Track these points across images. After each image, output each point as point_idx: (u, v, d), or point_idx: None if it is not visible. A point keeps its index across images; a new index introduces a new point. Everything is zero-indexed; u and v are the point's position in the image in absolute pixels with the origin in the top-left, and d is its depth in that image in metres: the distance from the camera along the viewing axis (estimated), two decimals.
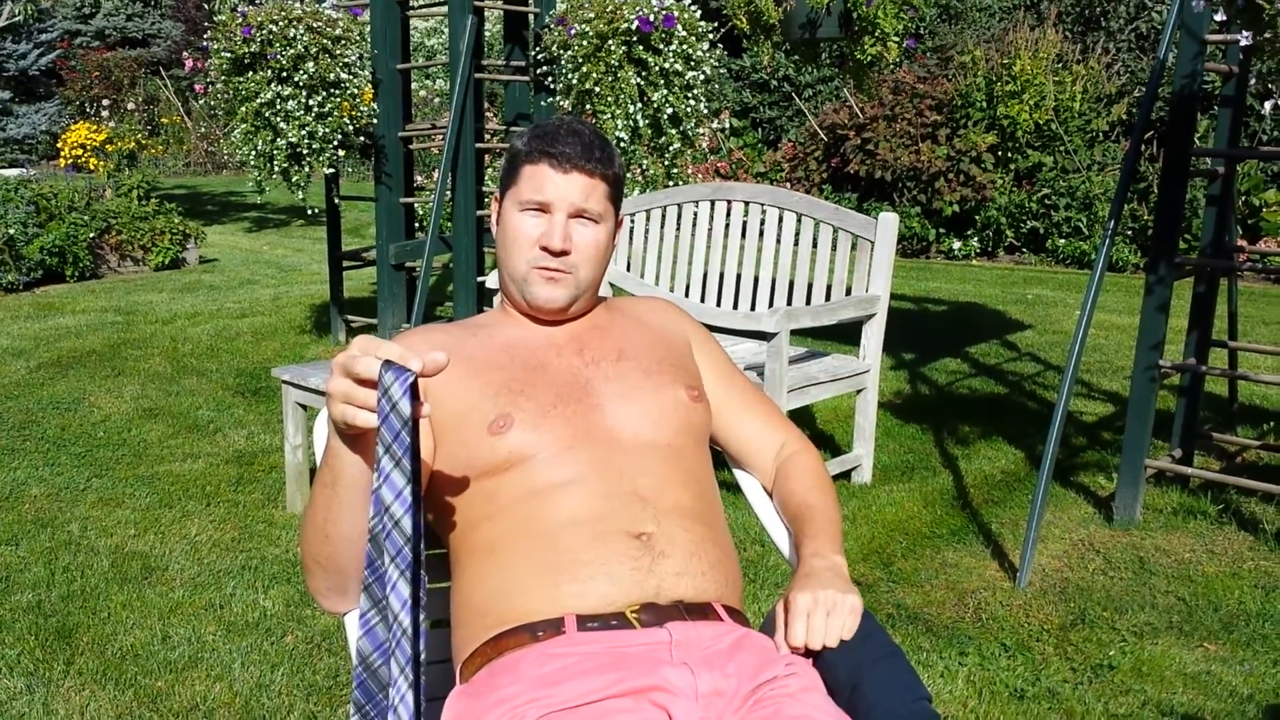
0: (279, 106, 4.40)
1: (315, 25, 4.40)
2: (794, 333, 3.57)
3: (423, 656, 1.13)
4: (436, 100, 13.56)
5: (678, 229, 4.30)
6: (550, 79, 4.37)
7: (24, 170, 11.65)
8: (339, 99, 4.48)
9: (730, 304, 4.12)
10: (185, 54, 6.41)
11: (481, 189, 5.07)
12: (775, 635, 1.42)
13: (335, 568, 1.32)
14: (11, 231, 7.17)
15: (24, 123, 15.09)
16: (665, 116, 4.15)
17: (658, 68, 4.10)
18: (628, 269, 4.45)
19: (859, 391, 3.83)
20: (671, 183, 4.36)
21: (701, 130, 4.47)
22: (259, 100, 4.39)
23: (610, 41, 4.05)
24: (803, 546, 1.51)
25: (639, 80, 4.10)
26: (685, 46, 4.14)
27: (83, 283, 7.62)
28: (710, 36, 4.29)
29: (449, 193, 4.78)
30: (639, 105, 4.11)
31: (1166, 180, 3.37)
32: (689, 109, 4.21)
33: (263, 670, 2.58)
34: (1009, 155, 8.96)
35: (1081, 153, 8.91)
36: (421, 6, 5.89)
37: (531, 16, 4.93)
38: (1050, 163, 8.92)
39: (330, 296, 5.95)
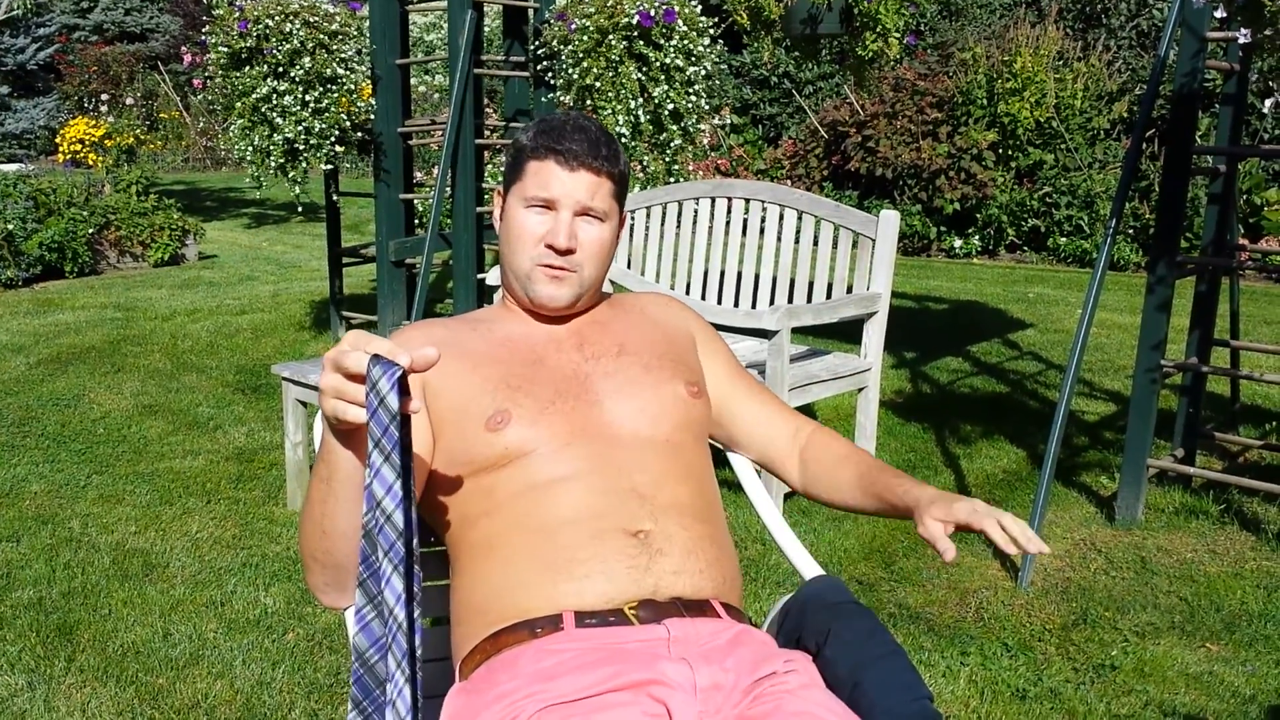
0: (275, 102, 4.39)
1: (312, 20, 4.38)
2: (795, 331, 3.56)
3: (419, 652, 1.12)
4: (436, 96, 13.55)
5: (678, 226, 4.29)
6: (550, 74, 4.36)
7: (22, 165, 11.63)
8: (336, 94, 4.47)
9: (731, 302, 4.11)
10: (184, 49, 6.40)
11: (481, 185, 5.06)
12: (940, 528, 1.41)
13: (333, 563, 1.32)
14: (10, 227, 7.16)
15: (22, 118, 15.07)
16: (666, 112, 4.14)
17: (658, 63, 4.08)
18: (628, 266, 4.44)
19: (860, 390, 3.83)
20: (672, 179, 4.35)
21: (703, 126, 4.45)
22: (255, 95, 4.38)
23: (611, 36, 4.04)
24: (894, 488, 1.51)
25: (640, 75, 4.09)
26: (686, 41, 4.13)
27: (82, 279, 7.62)
28: (711, 32, 4.28)
29: (449, 189, 4.77)
30: (640, 101, 4.10)
31: (1168, 178, 3.37)
32: (690, 105, 4.20)
33: (264, 668, 2.58)
34: (1010, 153, 8.95)
35: (1083, 151, 8.90)
36: (421, 1, 5.88)
37: (531, 11, 4.92)
38: (1051, 160, 8.91)
39: (330, 293, 5.94)
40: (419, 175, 9.22)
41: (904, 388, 5.02)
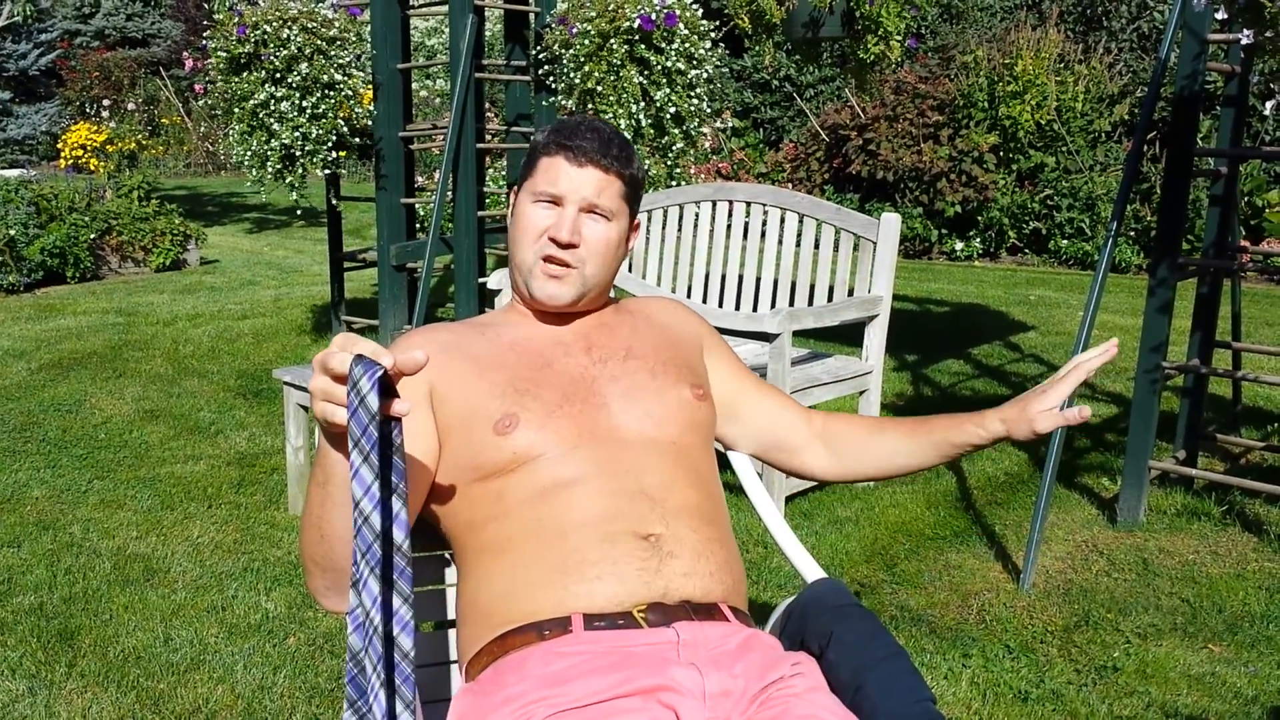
0: (273, 108, 4.39)
1: (310, 26, 4.38)
2: (796, 334, 3.56)
3: (411, 654, 1.12)
4: (437, 100, 13.56)
5: (679, 229, 4.29)
6: (552, 78, 4.36)
7: (24, 171, 11.64)
8: (334, 100, 4.47)
9: (732, 305, 4.11)
10: (185, 54, 6.41)
11: (483, 190, 5.06)
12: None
13: (332, 566, 1.32)
14: (12, 233, 7.17)
15: (24, 123, 15.08)
16: (668, 116, 4.14)
17: (660, 66, 4.09)
18: (629, 269, 4.45)
19: (862, 393, 3.83)
20: (673, 183, 4.35)
21: (704, 130, 4.45)
22: (253, 101, 4.38)
23: (612, 40, 4.04)
24: (960, 424, 1.57)
25: (641, 79, 4.09)
26: (687, 45, 4.13)
27: (83, 284, 7.62)
28: (712, 35, 4.28)
29: (450, 193, 4.77)
30: (641, 104, 4.10)
31: (1169, 181, 3.37)
32: (692, 108, 4.20)
33: (265, 672, 2.58)
34: (1011, 156, 8.95)
35: (1084, 153, 8.90)
36: (422, 6, 5.88)
37: (532, 16, 4.92)
38: (1052, 163, 8.91)
39: (331, 298, 5.94)
40: (420, 180, 9.22)
41: (905, 390, 5.02)
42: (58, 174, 11.11)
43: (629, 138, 4.23)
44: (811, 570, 1.65)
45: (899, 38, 4.42)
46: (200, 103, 15.46)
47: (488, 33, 6.68)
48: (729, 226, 4.14)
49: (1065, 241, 8.58)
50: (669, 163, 4.25)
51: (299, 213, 6.60)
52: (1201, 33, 3.20)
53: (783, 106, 11.73)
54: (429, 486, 1.45)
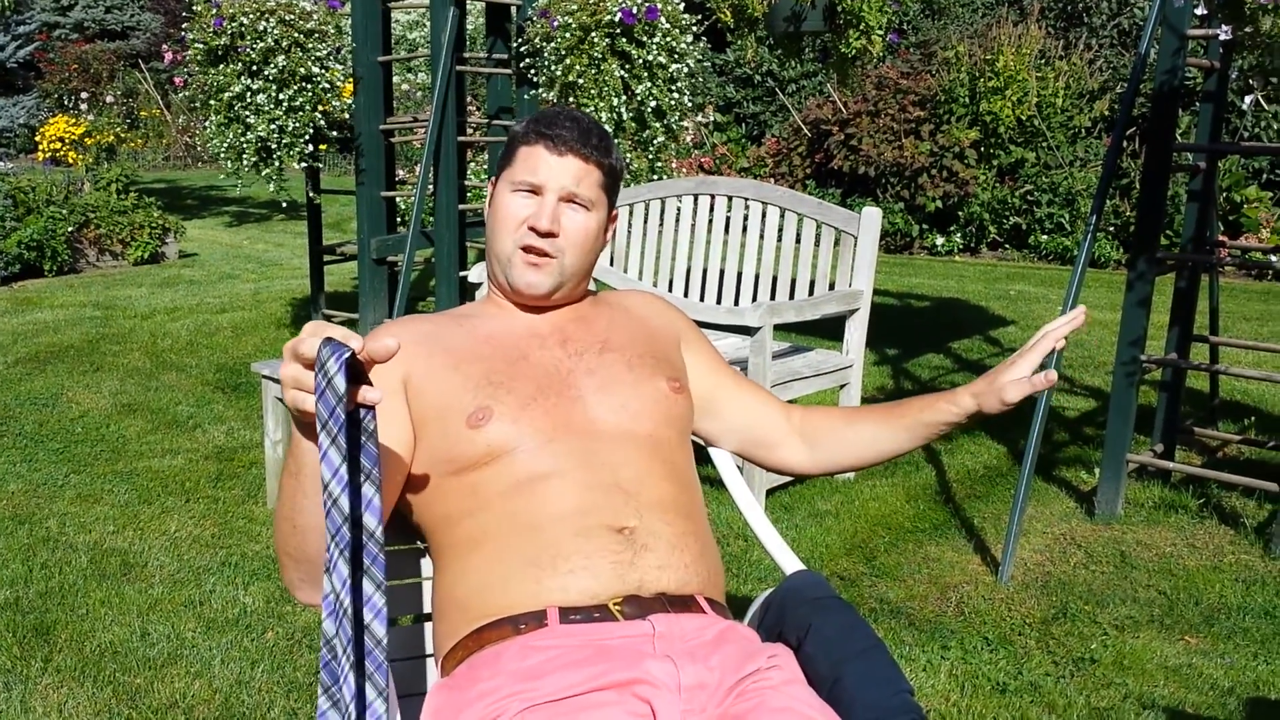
0: (249, 100, 4.37)
1: (287, 18, 4.36)
2: (777, 328, 3.57)
3: (384, 641, 1.11)
4: (419, 94, 13.50)
5: (661, 223, 4.29)
6: (533, 71, 4.34)
7: (1, 164, 11.54)
8: (311, 93, 4.44)
9: (713, 299, 4.11)
10: (164, 46, 6.36)
11: (464, 183, 5.04)
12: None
13: (305, 558, 1.31)
14: None
15: (2, 116, 14.95)
16: (649, 110, 4.14)
17: (641, 60, 4.08)
18: (610, 263, 4.44)
19: (842, 386, 3.83)
20: (655, 177, 4.35)
21: (686, 124, 4.44)
22: (228, 94, 4.35)
23: (593, 34, 4.03)
24: (933, 404, 1.60)
25: (623, 73, 4.08)
26: (669, 39, 4.13)
27: (61, 277, 7.56)
28: (694, 29, 4.28)
29: (431, 187, 4.75)
30: (623, 98, 4.10)
31: (1148, 176, 3.38)
32: (673, 102, 4.20)
33: (243, 667, 2.56)
34: (992, 151, 8.98)
35: (1064, 149, 8.94)
36: None
37: (514, 9, 4.90)
38: (1033, 159, 8.95)
39: (311, 291, 5.92)
40: (401, 173, 9.18)
41: (886, 384, 5.03)
42: (35, 167, 11.01)
43: (609, 130, 4.23)
44: (790, 563, 1.65)
45: (880, 33, 4.43)
46: (179, 95, 15.36)
47: (469, 26, 6.65)
48: (710, 221, 4.13)
49: (1045, 236, 8.62)
50: (650, 157, 4.25)
51: (283, 206, 6.55)
52: (1181, 28, 3.22)
53: (765, 101, 11.73)
54: (405, 478, 1.44)
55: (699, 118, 11.00)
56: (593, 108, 4.06)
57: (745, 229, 4.03)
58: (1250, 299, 7.01)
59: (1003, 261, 8.72)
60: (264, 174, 4.51)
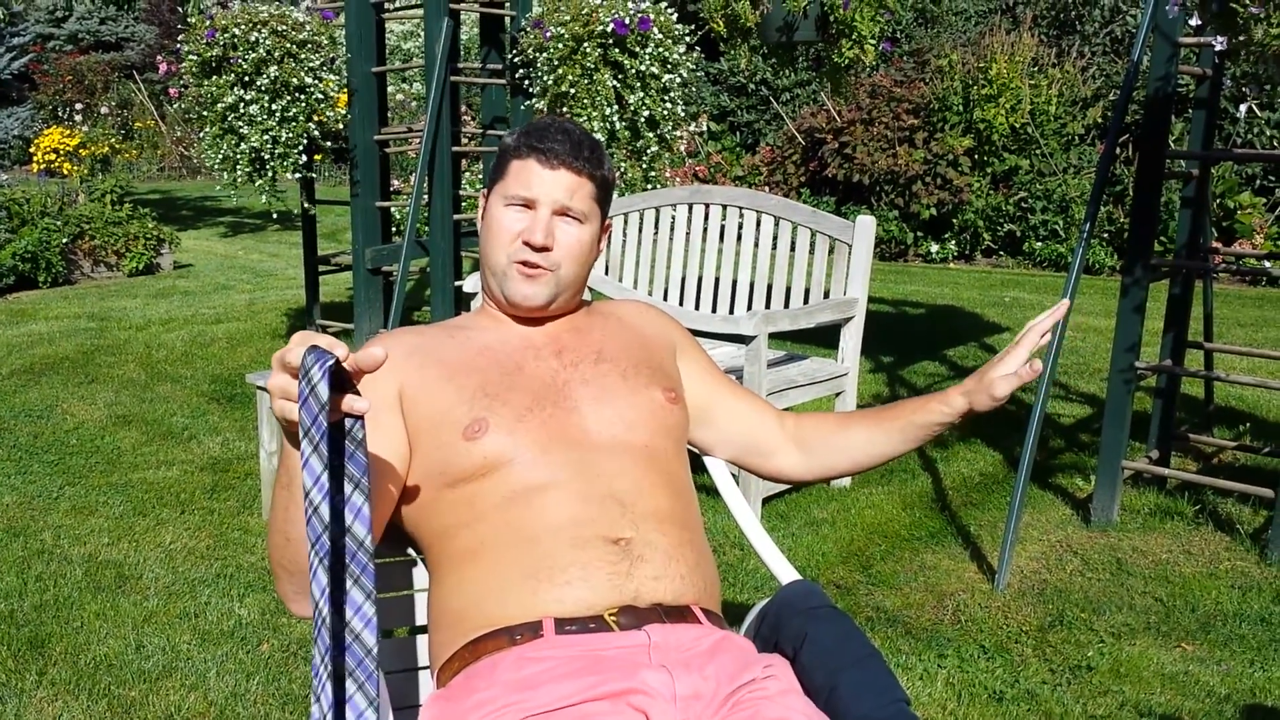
0: (241, 111, 4.37)
1: (280, 29, 4.36)
2: (772, 336, 3.57)
3: (374, 650, 1.10)
4: (413, 104, 13.51)
5: (655, 232, 4.29)
6: (527, 81, 4.35)
7: None
8: (304, 103, 4.44)
9: (708, 307, 4.12)
10: (159, 57, 6.36)
11: (458, 193, 5.04)
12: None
13: (298, 570, 1.30)
14: None
15: None
16: (642, 119, 4.15)
17: (634, 70, 4.09)
18: (606, 272, 4.44)
19: (837, 394, 3.83)
20: (649, 186, 4.35)
21: (679, 133, 4.45)
22: (221, 105, 4.36)
23: (586, 44, 4.04)
24: (924, 407, 1.59)
25: (615, 83, 4.09)
26: (661, 49, 4.13)
27: (56, 289, 7.55)
28: (687, 39, 4.29)
29: (425, 197, 4.75)
30: (616, 108, 4.10)
31: (1141, 183, 3.39)
32: (666, 112, 4.21)
33: (238, 679, 2.56)
34: (985, 159, 9.00)
35: (1057, 156, 8.96)
36: (397, 9, 5.86)
37: (508, 19, 4.91)
38: (1026, 166, 8.97)
39: (306, 301, 5.91)
40: (396, 183, 9.19)
41: (881, 392, 5.03)
42: (30, 178, 11.00)
43: (602, 140, 4.24)
44: (786, 572, 1.65)
45: (873, 42, 4.43)
46: (174, 106, 15.36)
47: (464, 36, 6.65)
48: (705, 229, 4.14)
49: (1039, 244, 8.63)
50: (645, 166, 4.26)
51: (274, 216, 6.55)
52: (1174, 36, 3.23)
53: (759, 110, 11.75)
54: (400, 490, 1.44)
55: (693, 127, 11.01)
56: (585, 118, 4.07)
57: (740, 237, 4.03)
58: (1244, 305, 7.02)
59: (997, 268, 8.74)
60: (257, 185, 4.50)
